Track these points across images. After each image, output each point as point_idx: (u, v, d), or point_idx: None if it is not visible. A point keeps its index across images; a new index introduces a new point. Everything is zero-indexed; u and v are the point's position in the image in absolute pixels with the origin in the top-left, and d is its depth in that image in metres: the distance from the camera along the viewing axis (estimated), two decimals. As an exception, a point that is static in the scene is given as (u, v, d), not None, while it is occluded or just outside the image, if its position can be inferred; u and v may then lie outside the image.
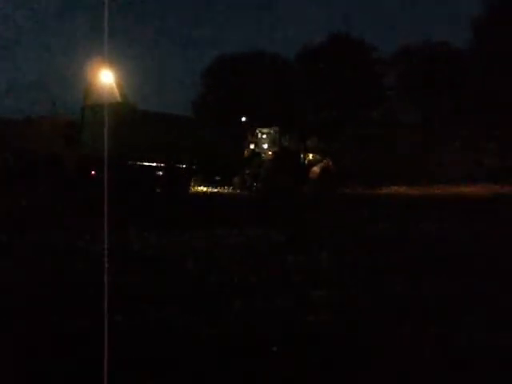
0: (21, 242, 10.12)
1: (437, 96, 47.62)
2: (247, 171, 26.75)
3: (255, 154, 27.27)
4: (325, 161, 28.53)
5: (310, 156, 28.18)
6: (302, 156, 27.91)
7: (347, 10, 72.92)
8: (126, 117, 23.06)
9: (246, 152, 26.90)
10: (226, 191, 26.73)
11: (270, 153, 27.22)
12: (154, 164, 24.11)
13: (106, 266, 3.62)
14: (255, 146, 27.76)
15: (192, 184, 25.27)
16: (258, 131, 27.84)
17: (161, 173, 24.19)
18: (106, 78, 25.90)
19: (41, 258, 8.75)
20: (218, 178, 26.67)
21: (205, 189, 26.52)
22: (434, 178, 34.13)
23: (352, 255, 8.83)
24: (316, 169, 28.03)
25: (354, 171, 30.98)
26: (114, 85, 25.53)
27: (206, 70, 53.60)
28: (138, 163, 23.78)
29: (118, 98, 25.47)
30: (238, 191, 26.90)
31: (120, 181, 22.74)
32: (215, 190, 26.83)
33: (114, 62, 25.29)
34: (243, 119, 35.52)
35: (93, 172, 23.60)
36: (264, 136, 27.70)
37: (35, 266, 8.00)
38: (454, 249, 9.58)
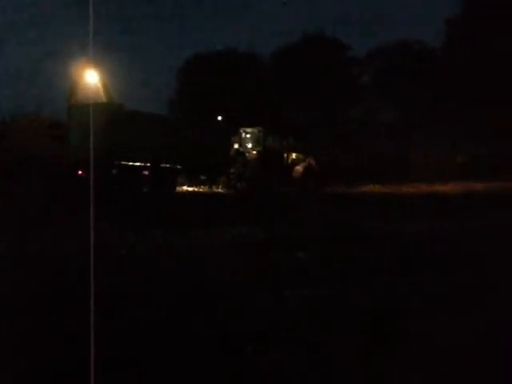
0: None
1: (412, 94, 48.50)
2: (232, 170, 27.15)
3: (239, 154, 27.68)
4: (307, 160, 29.01)
5: (294, 155, 28.58)
6: (285, 155, 28.31)
7: (320, 9, 73.68)
8: (113, 116, 23.30)
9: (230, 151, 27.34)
10: (210, 190, 27.11)
11: (254, 152, 27.58)
12: (140, 164, 24.45)
13: (92, 265, 3.69)
14: (239, 146, 28.11)
15: (177, 183, 25.62)
16: (241, 131, 28.20)
17: (146, 172, 24.53)
18: (91, 78, 26.24)
19: (29, 257, 9.09)
20: (203, 178, 27.02)
21: (190, 188, 26.86)
22: (408, 177, 34.93)
23: (336, 253, 9.22)
24: (299, 168, 28.51)
25: (331, 170, 31.58)
26: (100, 84, 25.84)
27: (181, 69, 54.14)
28: (124, 163, 24.09)
29: (104, 98, 25.78)
30: (223, 190, 27.30)
31: (107, 180, 23.16)
32: (200, 190, 27.19)
33: (98, 61, 25.60)
34: (219, 118, 35.96)
35: (80, 172, 23.88)
36: (248, 135, 28.05)
37: (24, 267, 8.32)
38: (444, 246, 10.04)
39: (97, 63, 24.75)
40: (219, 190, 27.24)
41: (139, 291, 6.39)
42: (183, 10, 79.02)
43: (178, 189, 26.06)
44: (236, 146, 27.94)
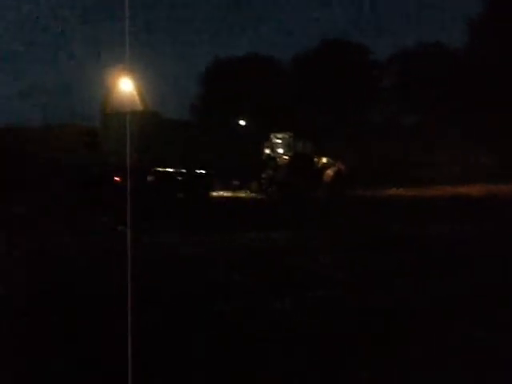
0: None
1: (434, 96, 48.49)
2: (263, 175, 27.72)
3: (270, 159, 28.24)
4: (337, 164, 29.44)
5: (324, 160, 29.04)
6: (315, 160, 28.79)
7: (341, 14, 73.76)
8: (149, 124, 24.11)
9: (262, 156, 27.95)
10: (243, 195, 27.70)
11: (285, 157, 28.12)
12: (175, 170, 25.19)
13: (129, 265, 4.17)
14: (270, 151, 28.68)
15: (212, 189, 26.26)
16: (272, 136, 28.77)
17: (180, 178, 25.23)
18: (126, 86, 27.04)
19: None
20: (236, 183, 27.64)
21: (223, 193, 27.45)
22: (432, 179, 35.12)
23: (361, 256, 9.62)
24: (329, 172, 28.94)
25: (356, 173, 31.89)
26: (135, 92, 26.61)
27: (202, 74, 54.25)
28: (160, 169, 24.87)
29: (140, 106, 26.55)
30: (255, 195, 27.85)
31: (143, 187, 23.94)
32: (233, 195, 27.78)
33: (134, 69, 26.31)
34: (242, 123, 36.56)
35: (117, 178, 24.65)
36: (278, 141, 28.61)
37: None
38: (466, 249, 10.40)
39: (131, 71, 25.47)
40: (251, 195, 27.81)
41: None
42: (204, 16, 79.81)
43: (212, 194, 26.68)
44: (267, 151, 28.50)
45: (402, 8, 68.99)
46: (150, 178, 24.76)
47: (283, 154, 28.25)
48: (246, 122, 36.92)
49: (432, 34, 63.75)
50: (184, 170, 25.34)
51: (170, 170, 24.66)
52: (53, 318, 5.95)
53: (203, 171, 25.60)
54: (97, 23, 64.52)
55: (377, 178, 33.06)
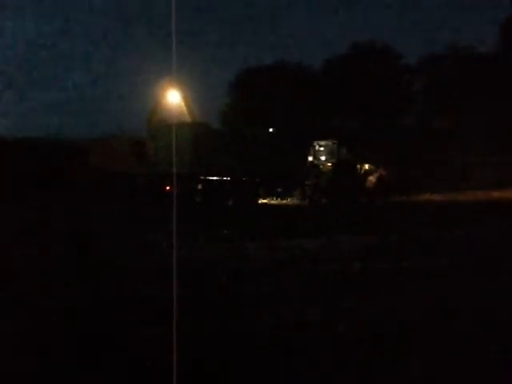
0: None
1: (466, 100, 48.43)
2: (307, 182, 28.19)
3: (314, 166, 28.72)
4: (379, 170, 29.82)
5: (366, 166, 29.45)
6: (358, 166, 29.21)
7: (370, 18, 74.06)
8: (198, 135, 24.83)
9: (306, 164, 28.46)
10: (287, 202, 28.16)
11: (328, 164, 28.58)
12: (223, 178, 25.86)
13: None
14: (313, 158, 29.17)
15: (258, 196, 26.83)
16: (315, 143, 29.25)
17: (229, 186, 25.87)
18: (173, 98, 27.84)
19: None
20: (279, 190, 28.13)
21: (268, 201, 27.94)
22: (466, 183, 35.32)
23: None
24: (372, 178, 29.35)
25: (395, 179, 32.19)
26: (183, 104, 27.42)
27: (233, 82, 55.13)
28: (209, 178, 25.55)
29: (188, 117, 27.34)
30: (298, 202, 28.30)
31: (193, 195, 24.61)
32: (277, 202, 28.25)
33: (180, 81, 27.09)
34: (270, 130, 36.94)
35: (167, 187, 25.35)
36: (321, 148, 29.08)
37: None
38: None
39: (179, 83, 26.23)
40: (295, 202, 28.26)
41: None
42: (233, 25, 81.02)
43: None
44: (310, 158, 28.99)
45: (433, 12, 69.19)
46: (199, 187, 25.46)
47: (326, 161, 28.69)
48: (274, 130, 37.34)
49: (463, 37, 63.61)
50: (229, 178, 26.00)
51: (219, 178, 25.29)
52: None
53: (250, 179, 26.23)
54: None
55: (412, 183, 33.45)
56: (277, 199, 28.25)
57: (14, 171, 26.07)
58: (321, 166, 28.75)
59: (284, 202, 28.10)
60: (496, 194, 32.71)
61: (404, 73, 55.20)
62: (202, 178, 25.06)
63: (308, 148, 29.04)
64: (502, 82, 46.09)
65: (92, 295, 7.43)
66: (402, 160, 36.64)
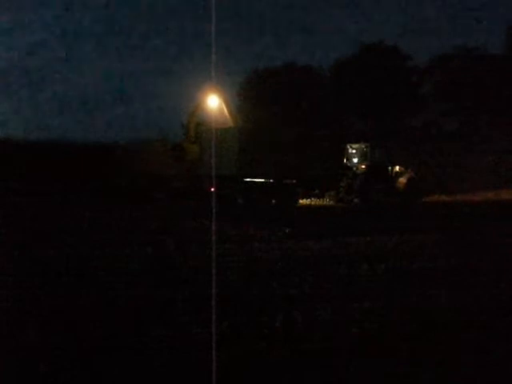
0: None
1: (475, 101, 49.03)
2: (342, 184, 29.08)
3: (347, 168, 29.63)
4: (409, 171, 30.78)
5: (397, 168, 30.40)
6: (389, 168, 30.16)
7: (378, 19, 74.59)
8: (242, 138, 25.71)
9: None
10: (322, 203, 29.05)
11: (362, 166, 29.49)
12: (265, 180, 26.76)
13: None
14: (346, 160, 30.10)
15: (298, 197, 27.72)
16: (348, 146, 30.19)
17: (270, 187, 26.75)
18: (215, 102, 28.66)
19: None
20: (316, 192, 29.02)
21: (304, 202, 28.79)
22: (475, 185, 36.41)
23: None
24: (403, 179, 30.30)
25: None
26: (225, 108, 28.25)
27: (241, 84, 54.51)
28: (252, 180, 26.44)
29: (230, 122, 28.17)
30: (332, 203, 29.19)
31: (236, 196, 25.49)
32: (313, 203, 29.12)
33: (221, 85, 27.93)
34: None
35: (212, 189, 26.19)
36: (354, 151, 30.02)
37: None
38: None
39: (220, 87, 27.08)
40: (330, 203, 29.15)
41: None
42: (241, 27, 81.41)
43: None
44: (344, 160, 29.96)
45: (442, 12, 69.84)
46: (243, 188, 26.35)
47: (360, 164, 29.60)
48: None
49: (472, 38, 64.23)
50: (271, 180, 26.87)
51: (262, 180, 26.17)
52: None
53: (290, 180, 27.13)
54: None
55: (437, 184, 34.59)
56: (312, 200, 29.11)
57: (67, 174, 27.02)
58: (354, 168, 29.66)
59: (319, 203, 28.97)
60: (506, 196, 34.04)
61: (413, 74, 55.83)
62: (246, 179, 25.95)
63: (341, 150, 29.95)
64: (510, 82, 46.73)
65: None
66: (420, 161, 37.58)
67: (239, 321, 6.39)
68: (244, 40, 72.55)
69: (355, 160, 29.88)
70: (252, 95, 54.35)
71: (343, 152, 30.05)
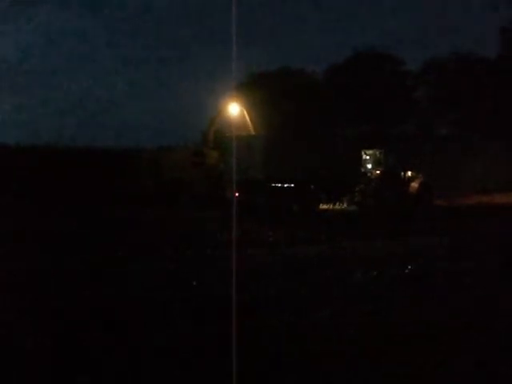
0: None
1: (468, 106, 49.34)
2: (357, 189, 30.03)
3: (362, 174, 30.60)
4: (420, 176, 31.87)
5: (409, 173, 31.48)
6: (402, 173, 31.19)
7: (372, 24, 75.63)
8: (266, 146, 26.59)
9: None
10: (339, 208, 29.91)
11: (377, 172, 30.47)
12: (288, 185, 27.64)
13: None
14: (361, 166, 31.06)
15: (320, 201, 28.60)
16: (362, 152, 31.15)
17: (293, 192, 27.61)
18: (236, 110, 29.46)
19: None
20: (332, 196, 29.88)
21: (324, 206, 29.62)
22: (472, 189, 37.70)
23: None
24: (414, 184, 31.39)
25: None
26: (246, 116, 29.04)
27: (236, 88, 56.02)
28: (276, 185, 27.32)
29: (251, 130, 28.98)
30: (348, 208, 30.07)
31: (261, 201, 26.32)
32: (329, 207, 29.95)
33: (241, 93, 28.68)
34: None
35: (236, 194, 26.99)
36: (368, 157, 31.01)
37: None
38: None
39: (241, 96, 27.86)
40: (345, 207, 30.03)
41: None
42: (234, 31, 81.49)
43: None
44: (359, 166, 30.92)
45: (434, 17, 70.97)
46: (264, 194, 27.15)
47: (374, 169, 30.59)
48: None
49: (465, 41, 65.17)
50: (293, 185, 27.73)
51: (287, 185, 27.02)
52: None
53: (311, 185, 28.02)
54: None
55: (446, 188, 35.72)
56: (328, 205, 29.95)
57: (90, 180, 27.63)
58: (368, 174, 30.63)
59: (337, 207, 29.84)
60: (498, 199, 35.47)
61: (406, 78, 56.57)
62: (272, 185, 26.82)
63: (355, 155, 30.82)
64: (504, 85, 46.95)
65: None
66: (427, 166, 38.64)
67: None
68: (238, 44, 72.90)
69: (369, 165, 30.84)
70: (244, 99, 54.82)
71: (357, 157, 30.93)
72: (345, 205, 30.17)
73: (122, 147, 31.83)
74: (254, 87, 53.86)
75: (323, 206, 29.18)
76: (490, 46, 64.15)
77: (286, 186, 27.46)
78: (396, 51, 53.59)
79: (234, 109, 29.32)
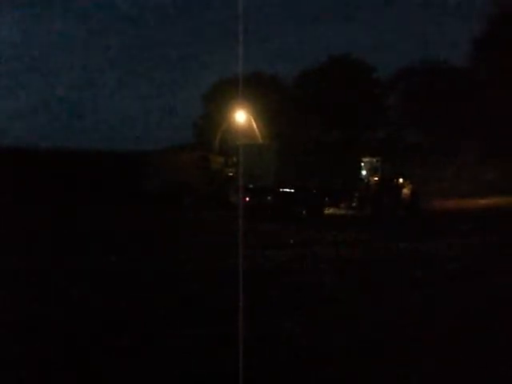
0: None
1: (439, 114, 50.40)
2: (356, 194, 31.62)
3: (360, 180, 32.22)
4: (408, 183, 33.74)
5: (401, 180, 33.27)
6: (395, 180, 32.99)
7: (345, 32, 77.42)
8: (277, 153, 27.89)
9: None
10: (341, 213, 31.39)
11: (375, 179, 32.13)
12: (294, 190, 28.98)
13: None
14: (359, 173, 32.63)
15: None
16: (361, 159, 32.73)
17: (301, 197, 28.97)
18: (243, 119, 30.62)
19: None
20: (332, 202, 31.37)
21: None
22: (448, 193, 39.93)
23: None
24: (406, 191, 33.25)
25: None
26: (254, 125, 30.25)
27: (206, 94, 55.89)
28: (284, 190, 28.65)
29: (258, 137, 30.20)
30: (345, 212, 31.59)
31: (271, 205, 27.64)
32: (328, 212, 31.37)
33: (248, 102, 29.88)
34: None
35: (247, 198, 28.17)
36: (365, 164, 32.64)
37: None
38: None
39: (248, 104, 29.03)
40: (342, 212, 31.54)
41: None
42: (206, 36, 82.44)
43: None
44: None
45: (407, 27, 72.94)
46: (273, 198, 28.45)
47: (371, 176, 32.25)
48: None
49: (436, 51, 67.08)
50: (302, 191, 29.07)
51: (295, 190, 28.33)
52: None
53: (315, 191, 29.41)
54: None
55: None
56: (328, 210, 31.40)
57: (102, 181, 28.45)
58: (365, 180, 32.27)
59: (337, 212, 31.33)
60: (483, 201, 37.90)
61: (377, 86, 57.67)
62: (281, 190, 28.09)
63: (353, 162, 32.35)
64: (474, 95, 48.33)
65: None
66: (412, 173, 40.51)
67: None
68: (209, 50, 73.79)
69: (364, 172, 32.50)
70: (215, 105, 55.11)
71: (355, 164, 32.44)
72: (341, 210, 31.69)
73: (128, 150, 32.59)
74: (224, 93, 54.72)
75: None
76: (461, 56, 65.98)
77: (293, 191, 28.73)
78: (368, 59, 55.50)
79: (241, 117, 30.45)
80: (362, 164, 32.69)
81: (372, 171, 32.40)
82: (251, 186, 27.53)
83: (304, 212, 28.37)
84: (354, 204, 31.72)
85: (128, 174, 30.27)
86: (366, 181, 32.32)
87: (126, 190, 29.26)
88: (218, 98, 50.49)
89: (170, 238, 18.30)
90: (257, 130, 30.33)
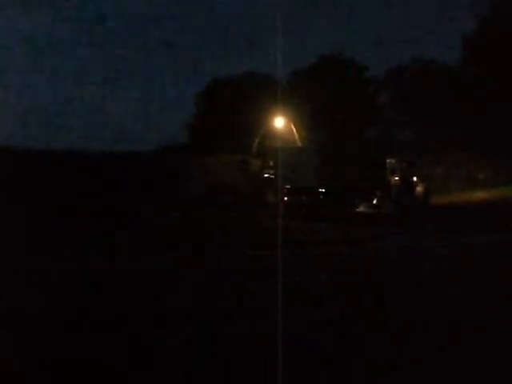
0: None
1: (430, 112, 51.81)
2: (378, 193, 34.78)
3: (383, 180, 35.29)
4: (419, 181, 37.02)
5: (414, 178, 36.56)
6: (410, 179, 36.33)
7: (336, 31, 78.79)
8: (317, 156, 30.94)
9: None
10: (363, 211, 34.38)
11: (395, 178, 35.32)
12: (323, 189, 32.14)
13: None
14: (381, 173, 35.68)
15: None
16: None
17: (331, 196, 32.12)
18: (283, 123, 33.47)
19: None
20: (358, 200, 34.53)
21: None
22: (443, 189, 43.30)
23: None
24: (419, 188, 36.62)
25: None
26: (293, 129, 33.12)
27: (199, 94, 56.62)
28: (321, 190, 31.76)
29: (297, 141, 33.09)
30: (368, 211, 34.59)
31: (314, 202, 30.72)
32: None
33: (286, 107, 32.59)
34: None
35: (285, 198, 31.21)
36: (388, 165, 35.60)
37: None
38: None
39: (286, 110, 31.84)
40: (364, 210, 34.53)
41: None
42: (199, 36, 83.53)
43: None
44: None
45: (397, 25, 74.29)
46: (312, 197, 31.56)
47: (392, 176, 35.40)
48: None
49: (428, 49, 68.64)
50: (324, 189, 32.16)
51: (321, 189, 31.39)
52: None
53: (341, 190, 32.54)
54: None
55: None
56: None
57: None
58: (387, 180, 35.40)
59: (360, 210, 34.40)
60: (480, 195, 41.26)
61: (369, 85, 58.25)
62: (320, 190, 31.18)
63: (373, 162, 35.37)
64: (465, 94, 50.20)
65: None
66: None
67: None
68: (202, 50, 74.85)
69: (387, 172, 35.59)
70: (208, 105, 55.63)
71: (380, 165, 35.31)
72: (362, 208, 34.67)
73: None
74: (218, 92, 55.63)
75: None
76: (452, 54, 67.69)
77: (325, 190, 31.82)
78: (360, 58, 56.70)
79: (280, 122, 33.24)
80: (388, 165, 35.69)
81: (392, 171, 35.53)
82: (289, 186, 30.41)
83: (340, 210, 31.45)
84: (375, 203, 34.87)
85: (168, 176, 32.85)
86: (387, 180, 35.46)
87: (171, 191, 31.77)
88: (212, 97, 54.27)
89: (230, 237, 20.22)
90: (296, 134, 33.08)
